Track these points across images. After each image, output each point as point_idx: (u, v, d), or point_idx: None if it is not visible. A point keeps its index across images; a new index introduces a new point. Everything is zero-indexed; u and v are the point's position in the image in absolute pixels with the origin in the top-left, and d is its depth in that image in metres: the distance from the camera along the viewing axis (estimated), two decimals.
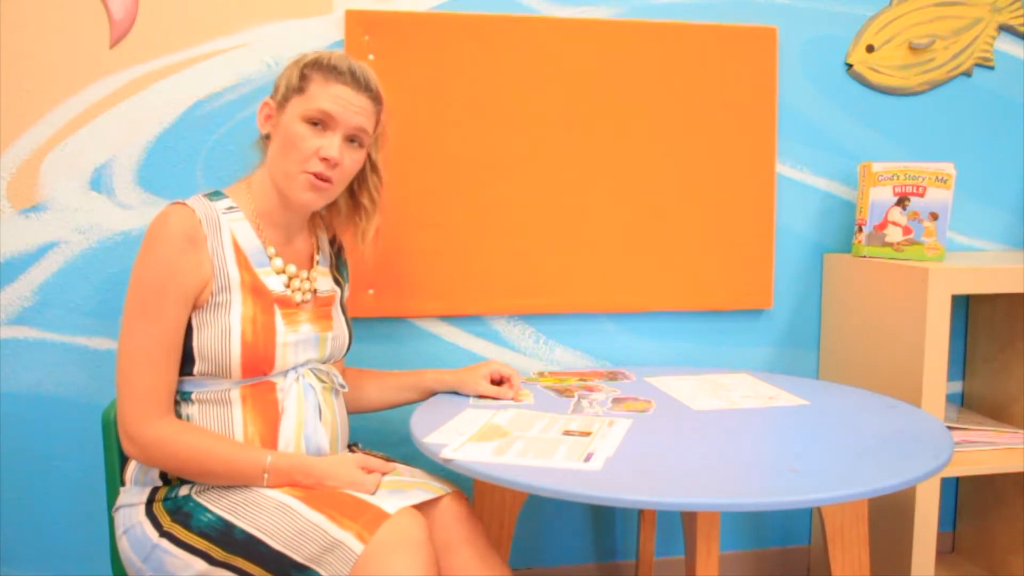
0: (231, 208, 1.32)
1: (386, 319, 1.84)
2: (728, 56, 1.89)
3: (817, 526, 2.05)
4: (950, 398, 2.08)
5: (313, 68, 1.31)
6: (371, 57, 1.75)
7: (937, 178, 1.80)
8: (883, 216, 1.84)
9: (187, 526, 1.21)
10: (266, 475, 1.22)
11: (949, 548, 2.14)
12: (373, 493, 1.23)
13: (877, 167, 1.83)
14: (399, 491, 1.26)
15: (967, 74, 2.03)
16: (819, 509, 1.47)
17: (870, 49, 1.98)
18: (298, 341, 1.33)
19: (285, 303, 1.33)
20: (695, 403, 1.53)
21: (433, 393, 1.57)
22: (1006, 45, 2.05)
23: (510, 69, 1.82)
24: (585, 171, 1.86)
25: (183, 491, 1.25)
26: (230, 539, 1.18)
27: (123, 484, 1.32)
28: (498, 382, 1.58)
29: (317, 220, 1.47)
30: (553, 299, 1.88)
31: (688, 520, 1.40)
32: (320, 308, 1.39)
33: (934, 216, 1.81)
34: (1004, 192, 2.08)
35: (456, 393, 1.57)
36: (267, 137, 1.35)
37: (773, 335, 2.01)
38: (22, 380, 1.71)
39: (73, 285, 1.71)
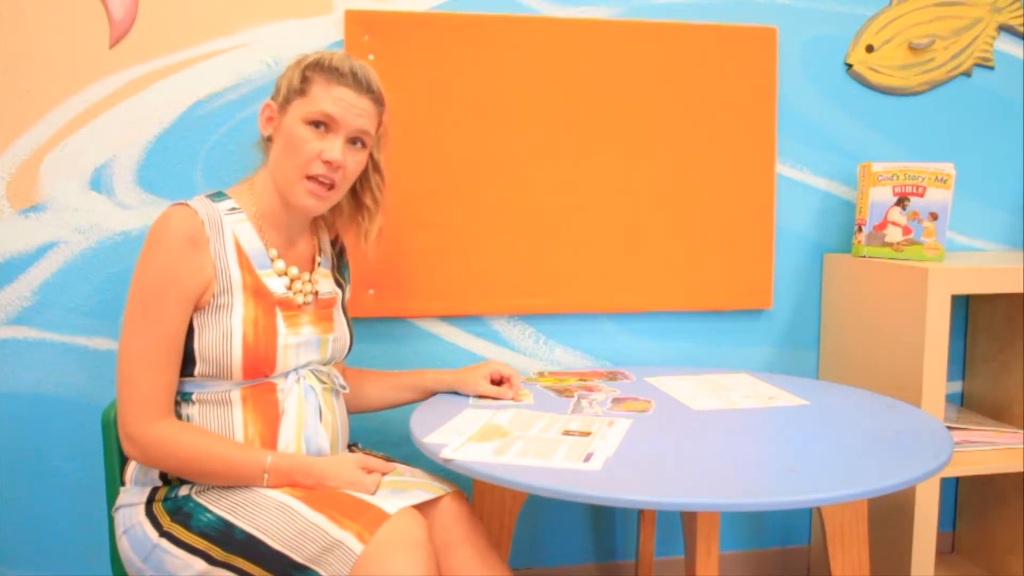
0: (234, 209, 1.32)
1: (386, 319, 1.84)
2: (728, 56, 1.89)
3: (817, 526, 2.05)
4: (950, 398, 2.08)
5: (315, 70, 1.31)
6: (371, 57, 1.75)
7: (937, 178, 1.80)
8: (883, 216, 1.84)
9: (187, 526, 1.21)
10: (266, 475, 1.22)
11: (949, 548, 2.14)
12: (373, 493, 1.23)
13: (877, 167, 1.83)
14: (399, 491, 1.26)
15: (967, 74, 2.03)
16: (819, 509, 1.47)
17: (870, 49, 1.98)
18: (299, 343, 1.33)
19: (287, 305, 1.33)
20: (695, 403, 1.53)
21: (433, 393, 1.57)
22: (1006, 45, 2.05)
23: (510, 69, 1.82)
24: (585, 171, 1.86)
25: (183, 491, 1.25)
26: (230, 539, 1.18)
27: (123, 484, 1.32)
28: (498, 382, 1.58)
29: (319, 221, 1.47)
30: (553, 299, 1.88)
31: (688, 520, 1.40)
32: (321, 310, 1.39)
33: (934, 216, 1.81)
34: (1004, 192, 2.08)
35: (456, 393, 1.57)
36: (269, 139, 1.35)
37: (773, 335, 2.01)
38: (22, 380, 1.71)
39: (73, 285, 1.71)
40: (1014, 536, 1.95)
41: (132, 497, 1.28)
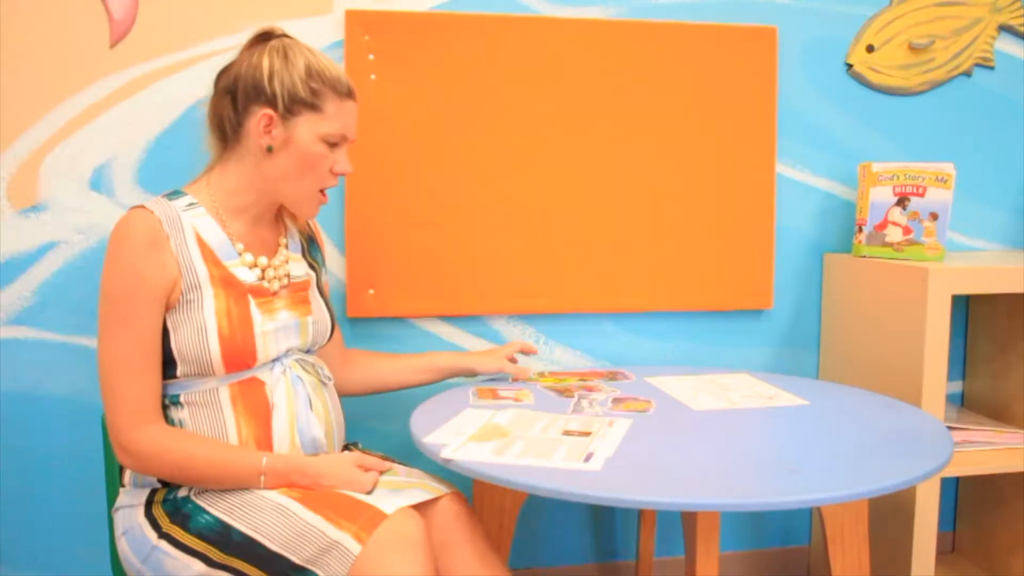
0: (192, 204, 1.31)
1: (386, 319, 1.84)
2: (728, 56, 1.89)
3: (817, 526, 2.05)
4: (950, 398, 2.08)
5: (320, 82, 1.29)
6: (371, 57, 1.75)
7: (937, 178, 1.80)
8: (883, 216, 1.84)
9: (186, 528, 1.21)
10: (262, 477, 1.22)
11: (949, 548, 2.14)
12: (370, 492, 1.23)
13: (877, 167, 1.83)
14: (397, 491, 1.26)
15: (967, 74, 2.03)
16: (819, 509, 1.47)
17: (870, 49, 1.98)
18: (277, 328, 1.31)
19: (258, 292, 1.31)
20: (695, 403, 1.53)
21: (449, 374, 1.63)
22: (1006, 45, 2.05)
23: (510, 69, 1.82)
24: (585, 171, 1.86)
25: (182, 492, 1.24)
26: (228, 541, 1.18)
27: (122, 485, 1.32)
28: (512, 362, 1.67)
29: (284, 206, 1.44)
30: (553, 299, 1.88)
31: (688, 520, 1.40)
32: (296, 293, 1.38)
33: (934, 216, 1.81)
34: (1004, 192, 2.08)
35: (463, 383, 1.59)
36: (269, 149, 1.30)
37: (773, 335, 2.01)
38: (22, 380, 1.71)
39: (73, 285, 1.71)
40: (1014, 536, 1.95)
41: (131, 498, 1.27)
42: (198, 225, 1.29)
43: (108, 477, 1.38)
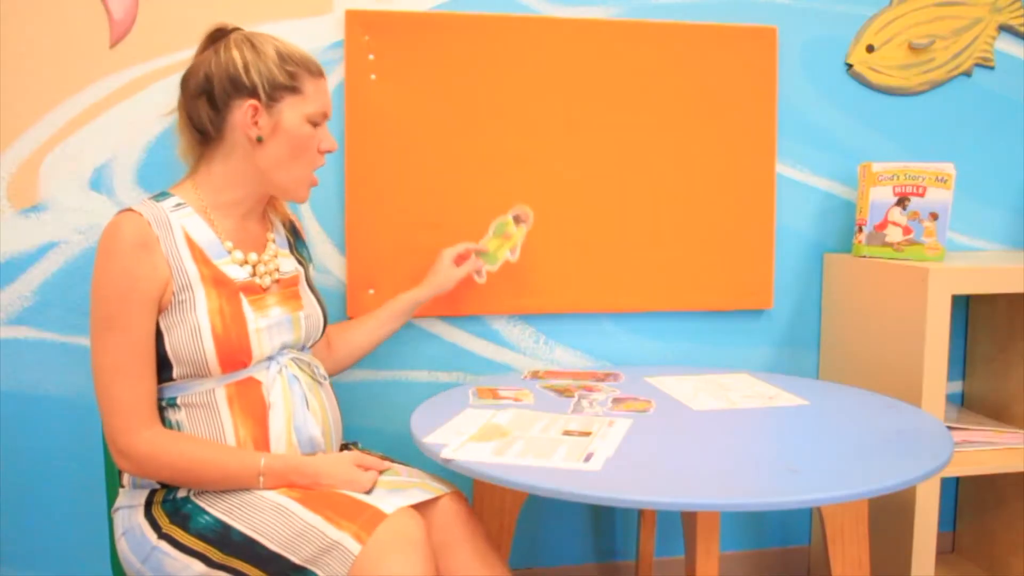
0: (179, 205, 1.31)
1: None
2: (728, 56, 1.89)
3: (817, 526, 2.05)
4: (950, 398, 2.08)
5: (294, 65, 1.31)
6: (371, 57, 1.75)
7: (937, 178, 1.80)
8: (883, 216, 1.84)
9: (185, 528, 1.21)
10: (261, 478, 1.22)
11: (949, 548, 2.14)
12: (369, 491, 1.23)
13: (877, 167, 1.83)
14: (397, 491, 1.26)
15: (967, 74, 2.03)
16: (819, 509, 1.47)
17: (870, 49, 1.98)
18: (270, 325, 1.31)
19: (250, 290, 1.31)
20: (695, 403, 1.53)
21: (409, 310, 1.66)
22: (1006, 45, 2.04)
23: (510, 69, 1.82)
24: (585, 171, 1.86)
25: (181, 493, 1.24)
26: (228, 541, 1.18)
27: (122, 485, 1.32)
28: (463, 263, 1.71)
29: (270, 202, 1.45)
30: (553, 299, 1.88)
31: (688, 520, 1.40)
32: (286, 289, 1.38)
33: (934, 216, 1.81)
34: (1004, 192, 2.08)
35: (460, 384, 1.57)
36: (259, 140, 1.30)
37: (773, 335, 2.01)
38: (22, 380, 1.71)
39: (73, 285, 1.71)
40: (1014, 536, 1.95)
41: (131, 499, 1.27)
42: (187, 225, 1.29)
43: (108, 477, 1.38)
